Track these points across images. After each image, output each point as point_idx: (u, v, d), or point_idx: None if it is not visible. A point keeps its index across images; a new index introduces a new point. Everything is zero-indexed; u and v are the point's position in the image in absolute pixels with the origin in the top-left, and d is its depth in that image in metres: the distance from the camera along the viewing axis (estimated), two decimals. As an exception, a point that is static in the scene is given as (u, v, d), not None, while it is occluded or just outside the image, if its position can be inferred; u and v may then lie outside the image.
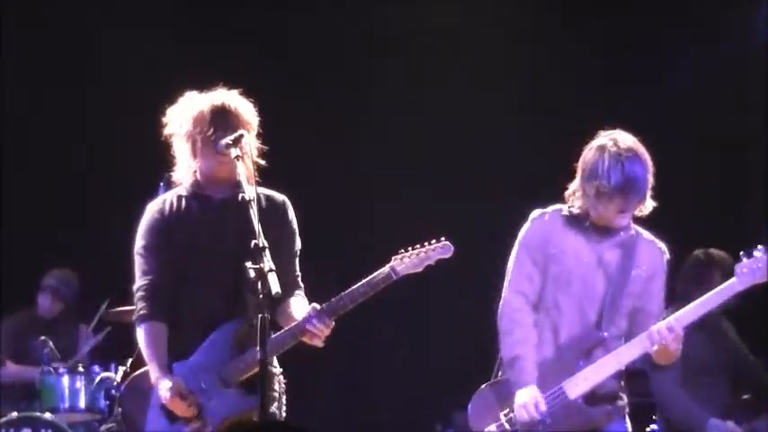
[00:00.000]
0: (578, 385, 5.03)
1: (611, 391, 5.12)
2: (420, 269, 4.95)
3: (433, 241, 4.98)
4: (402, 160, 8.64)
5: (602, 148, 5.06)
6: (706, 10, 8.43)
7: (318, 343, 4.82)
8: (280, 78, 8.26)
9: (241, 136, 4.81)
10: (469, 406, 5.21)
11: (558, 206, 5.22)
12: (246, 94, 5.03)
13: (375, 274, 4.89)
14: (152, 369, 4.90)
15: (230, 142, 4.79)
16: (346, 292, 4.84)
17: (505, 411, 5.08)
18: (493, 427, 5.09)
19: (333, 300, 4.84)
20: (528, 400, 5.00)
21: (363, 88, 8.67)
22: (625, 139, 5.08)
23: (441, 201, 8.42)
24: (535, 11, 8.64)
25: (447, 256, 4.98)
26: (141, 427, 4.92)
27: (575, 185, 5.14)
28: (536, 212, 5.24)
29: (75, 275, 8.31)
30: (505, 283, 5.20)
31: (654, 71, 8.55)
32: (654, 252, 5.20)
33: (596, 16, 8.52)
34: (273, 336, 4.68)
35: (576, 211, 5.14)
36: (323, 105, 8.62)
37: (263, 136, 5.01)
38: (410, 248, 4.94)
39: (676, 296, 6.30)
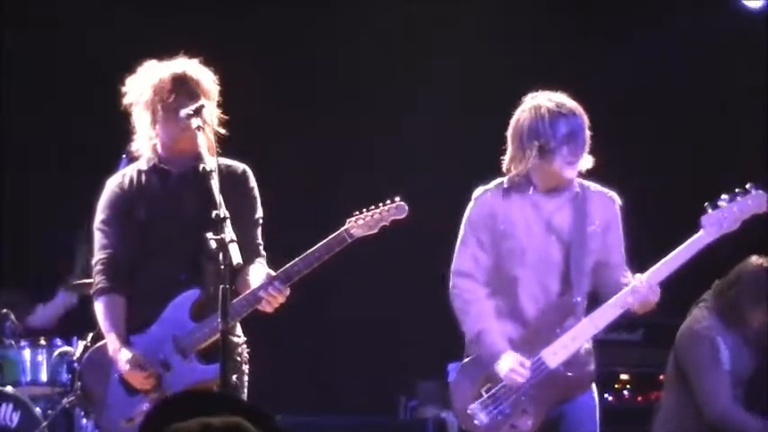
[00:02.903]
0: (557, 354, 5.01)
1: (583, 358, 5.12)
2: (375, 231, 4.91)
3: (388, 201, 4.94)
4: (367, 130, 8.62)
5: (537, 108, 5.05)
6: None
7: (269, 309, 4.80)
8: (242, 48, 8.20)
9: (202, 106, 4.77)
10: (450, 386, 5.20)
11: (498, 180, 5.18)
12: (207, 63, 5.00)
13: (329, 237, 4.86)
14: (110, 341, 4.88)
15: (191, 112, 4.76)
16: (300, 257, 4.81)
17: (486, 387, 5.07)
18: (476, 405, 5.07)
19: (287, 265, 4.82)
20: (513, 364, 4.98)
21: (328, 57, 8.64)
22: (556, 96, 5.08)
23: (407, 170, 8.41)
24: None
25: (402, 216, 4.95)
26: (101, 400, 4.90)
27: (511, 153, 5.11)
28: (478, 190, 5.21)
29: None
30: (452, 266, 5.19)
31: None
32: (605, 203, 5.17)
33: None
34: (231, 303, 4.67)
35: (516, 179, 5.13)
36: (286, 74, 8.59)
37: (223, 105, 4.99)
38: (365, 210, 4.91)
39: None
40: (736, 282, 6.34)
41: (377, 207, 4.93)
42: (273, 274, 4.81)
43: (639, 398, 7.88)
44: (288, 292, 4.80)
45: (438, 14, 8.67)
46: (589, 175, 5.16)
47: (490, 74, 8.44)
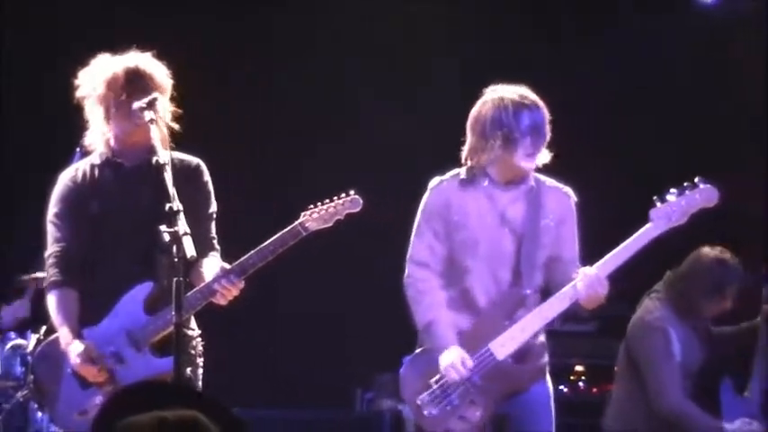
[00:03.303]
0: (505, 345, 5.02)
1: (536, 349, 5.14)
2: (330, 224, 4.92)
3: (343, 195, 4.96)
4: (320, 123, 8.62)
5: (501, 99, 5.08)
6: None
7: (223, 302, 4.81)
8: (194, 41, 8.17)
9: (155, 99, 4.76)
10: (401, 376, 5.21)
11: (455, 171, 5.21)
12: (159, 57, 4.98)
13: (284, 230, 4.87)
14: (62, 335, 4.87)
15: (144, 105, 4.74)
16: (255, 250, 4.82)
17: (436, 378, 5.08)
18: (425, 395, 5.08)
19: (242, 258, 4.82)
20: (454, 359, 5.00)
21: (279, 48, 8.62)
22: (519, 89, 5.12)
23: (363, 162, 8.41)
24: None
25: (356, 209, 4.96)
26: (54, 393, 4.88)
27: (471, 144, 5.13)
28: (434, 180, 5.23)
29: None
30: (407, 255, 5.21)
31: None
32: (560, 198, 5.19)
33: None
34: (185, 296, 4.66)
35: (473, 171, 5.15)
36: (244, 67, 8.56)
37: (176, 99, 4.97)
38: (319, 204, 4.92)
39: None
40: (689, 273, 6.38)
41: (331, 200, 4.94)
42: (228, 267, 4.81)
43: (594, 389, 7.92)
44: (242, 285, 4.80)
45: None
46: (546, 169, 5.19)
47: (443, 69, 8.47)
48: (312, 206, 4.92)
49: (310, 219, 4.89)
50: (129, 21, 8.08)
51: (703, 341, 6.39)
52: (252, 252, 4.82)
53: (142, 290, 4.86)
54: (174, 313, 4.30)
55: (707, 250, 6.39)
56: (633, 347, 6.38)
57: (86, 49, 5.08)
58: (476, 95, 5.21)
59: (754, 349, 6.39)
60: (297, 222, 4.89)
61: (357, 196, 4.97)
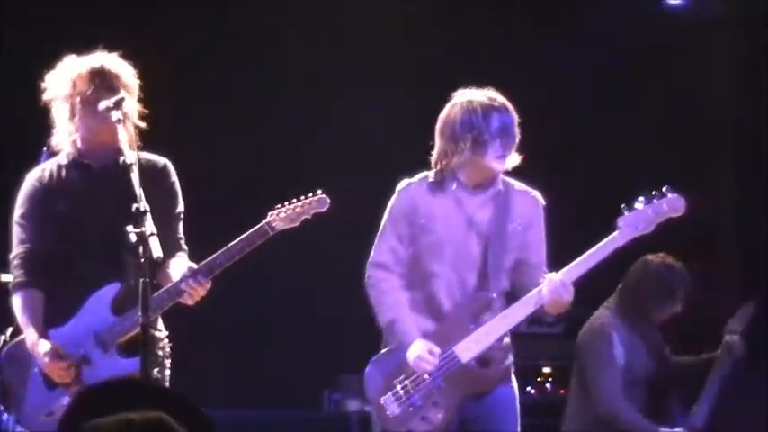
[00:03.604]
0: (470, 348, 5.04)
1: (500, 352, 5.16)
2: (297, 224, 4.93)
3: (310, 195, 4.96)
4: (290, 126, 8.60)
5: (469, 102, 5.11)
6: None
7: (190, 302, 4.80)
8: (168, 40, 8.15)
9: (122, 99, 4.75)
10: (364, 377, 5.22)
11: (424, 174, 5.23)
12: (126, 58, 4.97)
13: (251, 230, 4.87)
14: (28, 335, 4.85)
15: (111, 105, 4.74)
16: (222, 250, 4.82)
17: (399, 379, 5.10)
18: (389, 395, 5.10)
19: (209, 258, 4.82)
20: (421, 351, 5.02)
21: (249, 46, 8.60)
22: (487, 91, 5.15)
23: (328, 163, 8.40)
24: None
25: (323, 209, 4.97)
26: (21, 394, 4.86)
27: (441, 148, 5.15)
28: (403, 183, 5.24)
29: None
30: (370, 257, 5.22)
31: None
32: (528, 202, 5.22)
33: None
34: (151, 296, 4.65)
35: (442, 175, 5.17)
36: (210, 65, 8.53)
37: (144, 99, 4.96)
38: (286, 203, 4.92)
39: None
40: (638, 280, 6.49)
41: (298, 200, 4.94)
42: (195, 266, 4.80)
43: (562, 391, 7.93)
44: (209, 284, 4.80)
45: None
46: (515, 172, 5.21)
47: (416, 68, 8.47)
48: (279, 206, 4.92)
49: (277, 218, 4.89)
50: (90, 23, 8.04)
51: (653, 351, 6.50)
52: (219, 252, 4.82)
53: (109, 291, 4.84)
54: (140, 314, 4.30)
55: (652, 257, 6.50)
56: (578, 351, 6.52)
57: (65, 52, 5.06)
58: (442, 94, 5.22)
59: (709, 376, 6.50)
60: (264, 222, 4.89)
61: (324, 196, 4.97)
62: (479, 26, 8.73)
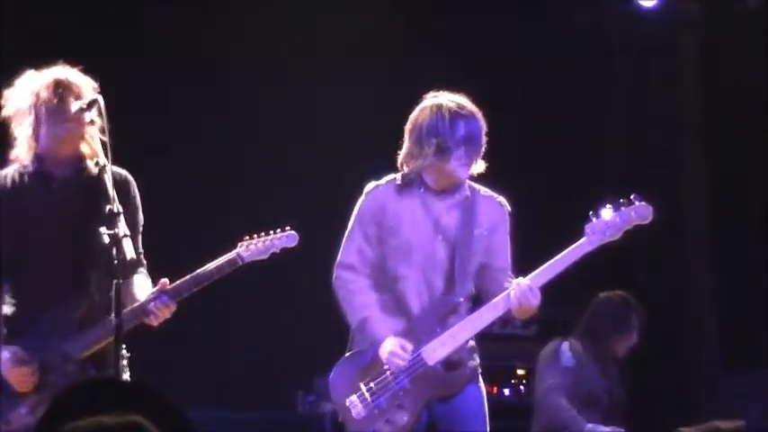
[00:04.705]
0: (436, 351, 5.06)
1: (465, 354, 5.17)
2: (265, 256, 4.99)
3: (279, 230, 5.01)
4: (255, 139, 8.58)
5: (438, 107, 5.11)
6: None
7: (155, 323, 4.80)
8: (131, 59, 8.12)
9: (95, 101, 4.71)
10: (330, 379, 5.23)
11: (391, 176, 5.24)
12: (86, 73, 4.95)
13: (221, 258, 4.91)
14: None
15: (84, 106, 4.72)
16: (192, 275, 4.85)
17: (365, 381, 5.11)
18: (354, 397, 5.10)
19: (178, 282, 4.83)
20: (394, 347, 5.03)
21: (221, 63, 8.57)
22: (457, 97, 5.16)
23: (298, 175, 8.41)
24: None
25: (292, 245, 5.04)
26: None
27: (407, 149, 5.16)
28: (370, 185, 5.25)
29: None
30: (337, 258, 5.24)
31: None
32: (493, 207, 5.23)
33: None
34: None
35: (409, 177, 5.18)
36: (180, 80, 8.50)
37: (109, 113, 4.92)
38: (255, 236, 4.98)
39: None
40: (599, 315, 6.91)
41: (267, 234, 4.99)
42: (167, 286, 4.80)
43: (536, 392, 7.97)
44: (174, 307, 4.82)
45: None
46: (480, 177, 5.22)
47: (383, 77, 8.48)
48: (248, 237, 4.98)
49: (247, 250, 4.95)
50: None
51: (609, 374, 6.87)
52: (188, 277, 4.84)
53: (71, 304, 4.81)
54: (112, 316, 4.30)
55: (609, 293, 6.97)
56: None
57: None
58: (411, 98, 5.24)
59: None
60: (234, 252, 4.93)
61: (293, 232, 5.04)
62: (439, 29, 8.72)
